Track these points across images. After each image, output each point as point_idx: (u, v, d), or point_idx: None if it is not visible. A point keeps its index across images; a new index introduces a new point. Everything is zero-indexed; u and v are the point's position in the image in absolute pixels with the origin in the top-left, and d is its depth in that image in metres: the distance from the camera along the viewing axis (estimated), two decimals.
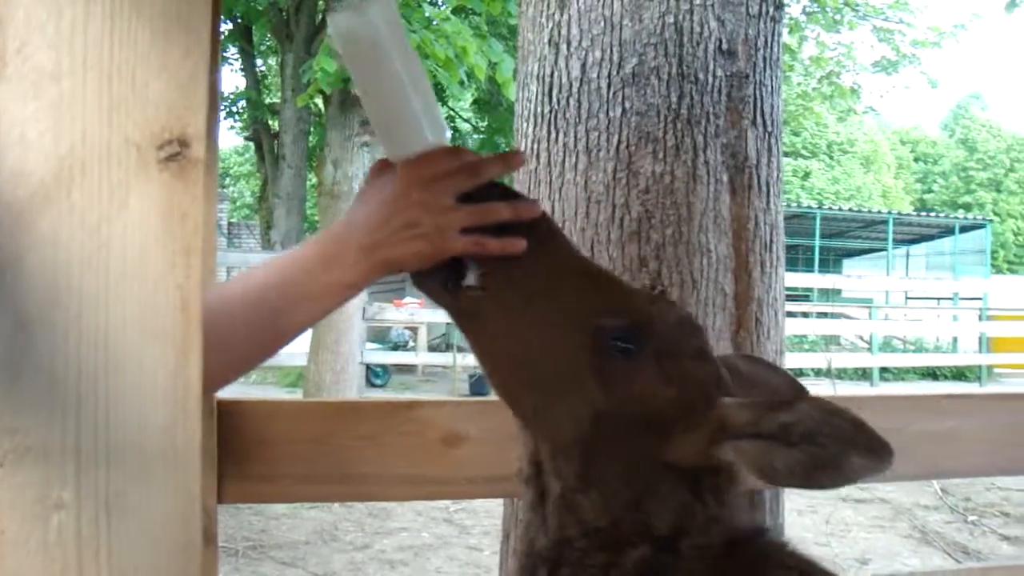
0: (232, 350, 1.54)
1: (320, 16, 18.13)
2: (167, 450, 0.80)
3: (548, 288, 1.51)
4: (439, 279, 1.54)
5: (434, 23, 10.49)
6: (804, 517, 8.56)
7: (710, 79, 2.85)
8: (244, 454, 1.96)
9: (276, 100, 23.13)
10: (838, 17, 16.33)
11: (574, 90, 2.88)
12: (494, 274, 1.50)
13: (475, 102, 21.50)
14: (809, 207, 29.36)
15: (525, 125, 3.05)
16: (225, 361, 1.54)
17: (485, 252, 1.49)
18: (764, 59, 2.97)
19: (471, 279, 1.51)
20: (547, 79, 2.96)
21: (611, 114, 2.82)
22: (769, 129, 2.97)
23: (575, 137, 2.86)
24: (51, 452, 0.77)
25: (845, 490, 9.34)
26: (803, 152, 45.58)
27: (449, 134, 1.61)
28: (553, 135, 2.91)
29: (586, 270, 1.58)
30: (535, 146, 2.97)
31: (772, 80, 3.01)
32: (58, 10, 0.78)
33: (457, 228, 1.49)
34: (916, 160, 55.64)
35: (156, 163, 0.79)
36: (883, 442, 1.24)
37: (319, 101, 14.37)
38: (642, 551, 1.37)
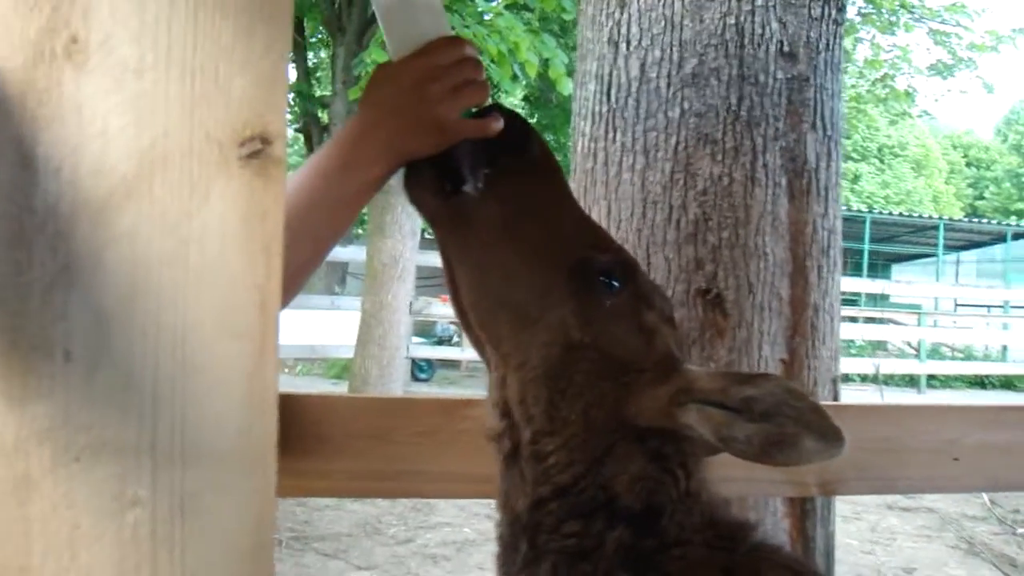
0: (285, 264, 1.56)
1: (371, 9, 18.18)
2: (243, 451, 0.80)
3: (544, 209, 1.55)
4: (435, 181, 1.57)
5: (487, 18, 10.48)
6: (849, 524, 8.47)
7: (770, 81, 2.82)
8: (299, 448, 1.96)
9: (327, 93, 23.21)
10: (894, 19, 16.15)
11: (633, 89, 2.86)
12: (493, 183, 1.54)
13: (525, 98, 21.45)
14: (859, 211, 29.06)
15: (583, 123, 3.03)
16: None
17: (489, 132, 1.55)
18: (825, 62, 2.94)
19: (470, 186, 1.54)
20: (606, 78, 2.94)
21: (670, 114, 2.79)
22: (829, 133, 2.94)
23: (633, 137, 2.84)
24: (127, 449, 0.77)
25: (891, 498, 9.24)
26: (853, 155, 45.11)
27: (449, 26, 1.65)
28: (611, 134, 2.89)
29: (583, 211, 1.64)
30: (592, 145, 2.96)
31: (833, 83, 2.97)
32: (142, 3, 0.78)
33: (462, 111, 1.57)
34: (968, 165, 54.83)
35: (237, 160, 0.78)
36: (837, 430, 1.25)
37: None
38: (620, 532, 1.37)
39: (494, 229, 1.52)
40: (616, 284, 1.48)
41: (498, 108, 1.61)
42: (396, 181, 1.65)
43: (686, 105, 2.78)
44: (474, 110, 1.62)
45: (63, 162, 0.76)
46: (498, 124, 1.57)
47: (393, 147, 1.56)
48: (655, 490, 1.40)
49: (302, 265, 1.63)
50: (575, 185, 3.01)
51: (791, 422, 1.27)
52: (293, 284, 1.63)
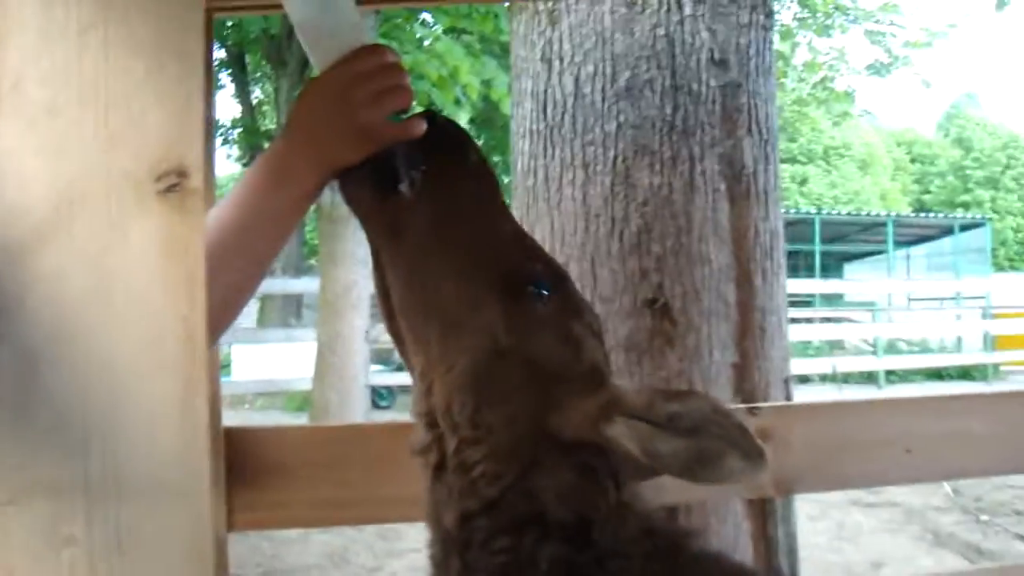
0: (224, 285, 1.53)
1: None
2: (177, 481, 0.80)
3: (477, 215, 1.56)
4: (372, 184, 1.56)
5: (426, 43, 10.52)
6: (816, 523, 8.50)
7: (704, 89, 2.86)
8: (254, 481, 1.95)
9: (271, 126, 23.14)
10: (829, 22, 16.36)
11: (568, 105, 2.89)
12: (428, 186, 1.54)
13: (471, 120, 21.47)
14: (808, 212, 29.31)
15: (521, 142, 3.05)
16: (223, 297, 1.54)
17: (414, 134, 1.55)
18: (756, 67, 2.98)
19: (404, 186, 1.54)
20: (541, 95, 2.97)
21: (606, 128, 2.82)
22: (765, 137, 2.97)
23: (572, 152, 2.86)
24: (61, 488, 0.77)
25: (856, 494, 9.30)
26: (800, 158, 45.46)
27: (368, 35, 1.65)
28: (550, 151, 2.92)
29: (515, 220, 1.64)
30: (532, 162, 2.98)
31: (765, 88, 3.01)
32: (51, 44, 0.78)
33: (386, 116, 1.56)
34: (913, 161, 55.35)
35: (155, 195, 0.79)
36: (760, 449, 1.26)
37: None
38: (554, 547, 1.37)
39: (426, 232, 1.53)
40: (546, 293, 1.49)
41: (430, 114, 1.62)
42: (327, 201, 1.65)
43: (622, 118, 2.81)
44: (405, 116, 1.63)
45: None
46: (421, 126, 1.56)
47: (323, 158, 1.56)
48: (584, 502, 1.40)
49: (242, 282, 1.62)
50: (517, 203, 3.03)
51: (716, 439, 1.27)
52: (235, 302, 1.63)
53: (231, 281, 1.57)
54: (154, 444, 0.79)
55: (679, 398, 1.34)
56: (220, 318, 1.58)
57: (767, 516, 2.88)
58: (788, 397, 3.06)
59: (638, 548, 1.40)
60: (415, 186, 1.54)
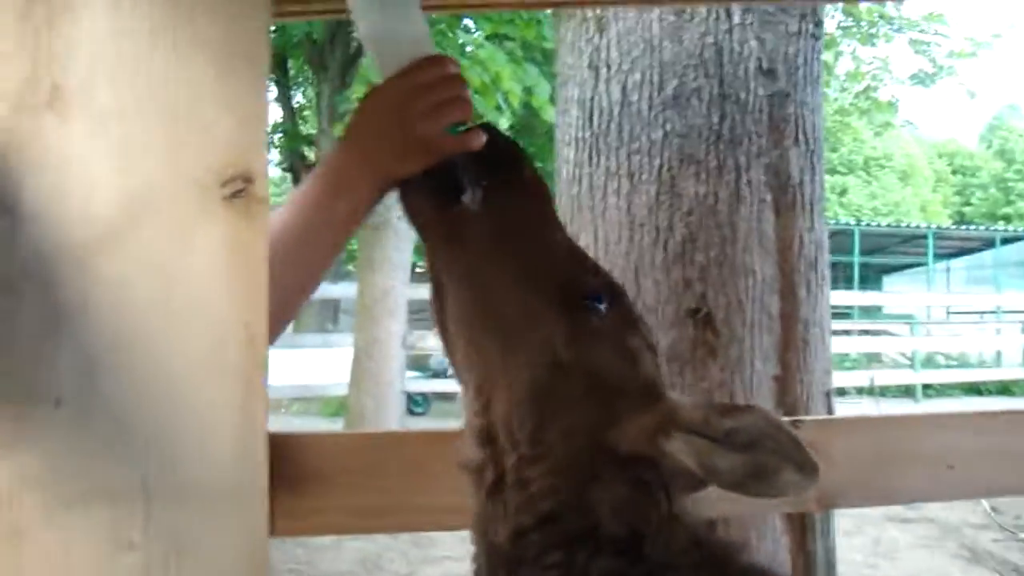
0: (280, 292, 1.54)
1: (354, 45, 18.20)
2: (235, 485, 0.80)
3: (535, 229, 1.56)
4: (433, 195, 1.56)
5: (468, 49, 10.53)
6: (852, 538, 8.41)
7: (751, 99, 2.83)
8: (293, 488, 1.95)
9: (312, 131, 23.24)
10: (873, 31, 16.21)
11: (615, 114, 2.87)
12: (487, 199, 1.54)
13: (511, 127, 21.45)
14: (847, 223, 29.10)
15: (566, 150, 3.04)
16: (277, 305, 1.54)
17: (473, 147, 1.55)
18: (804, 77, 2.96)
19: (468, 197, 1.54)
20: (587, 103, 2.95)
21: (653, 137, 2.80)
22: (811, 147, 2.95)
23: (617, 161, 2.84)
24: (120, 493, 0.77)
25: (892, 510, 9.19)
26: (840, 168, 45.13)
27: (433, 46, 1.65)
28: (595, 159, 2.90)
29: (568, 236, 1.64)
30: (576, 171, 2.96)
31: (813, 98, 2.99)
32: (120, 47, 0.78)
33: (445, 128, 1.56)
34: (954, 173, 54.79)
35: (221, 201, 0.79)
36: (814, 464, 1.27)
37: None
38: (606, 561, 1.36)
39: (486, 244, 1.52)
40: (603, 307, 1.48)
41: (487, 127, 1.62)
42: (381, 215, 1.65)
43: (668, 127, 2.80)
44: (462, 128, 1.62)
45: (48, 209, 0.76)
46: (480, 139, 1.56)
47: (380, 169, 1.57)
48: (638, 515, 1.39)
49: (296, 292, 1.64)
50: (560, 211, 3.02)
51: (772, 454, 1.29)
52: (287, 312, 1.64)
53: (285, 288, 1.57)
54: (212, 447, 0.79)
55: (734, 413, 1.35)
56: (272, 327, 1.58)
57: (806, 531, 2.86)
58: (830, 410, 3.03)
59: (687, 559, 1.39)
60: (477, 198, 1.54)
